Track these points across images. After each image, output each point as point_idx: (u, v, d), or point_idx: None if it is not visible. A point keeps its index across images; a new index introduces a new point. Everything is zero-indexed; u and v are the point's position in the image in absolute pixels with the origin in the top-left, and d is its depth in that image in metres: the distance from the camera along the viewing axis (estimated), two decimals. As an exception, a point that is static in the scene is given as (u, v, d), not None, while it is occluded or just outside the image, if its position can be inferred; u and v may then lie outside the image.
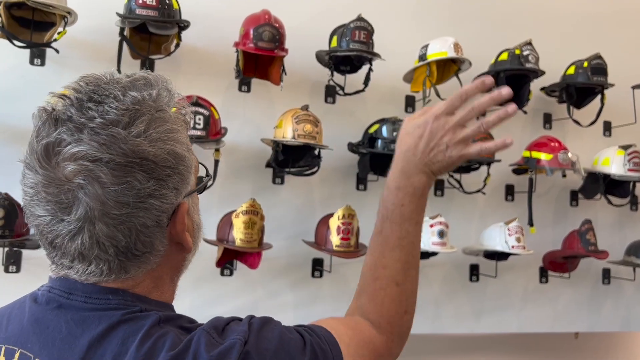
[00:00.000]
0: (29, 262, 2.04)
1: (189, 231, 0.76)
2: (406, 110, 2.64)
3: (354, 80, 2.43)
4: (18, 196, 1.92)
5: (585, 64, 2.63)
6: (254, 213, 2.11)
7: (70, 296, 0.71)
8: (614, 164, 2.66)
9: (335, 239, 2.21)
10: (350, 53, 2.28)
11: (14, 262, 2.03)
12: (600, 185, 2.71)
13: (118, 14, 2.04)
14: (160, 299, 0.76)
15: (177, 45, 2.15)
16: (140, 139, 0.67)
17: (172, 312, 0.77)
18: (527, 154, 2.63)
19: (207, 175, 0.83)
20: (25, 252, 2.04)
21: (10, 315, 0.75)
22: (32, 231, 1.95)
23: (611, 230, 2.94)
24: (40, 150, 0.67)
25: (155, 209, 0.69)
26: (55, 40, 1.97)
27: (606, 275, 2.95)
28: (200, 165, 0.82)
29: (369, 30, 2.28)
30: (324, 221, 2.30)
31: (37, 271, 2.04)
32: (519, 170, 2.73)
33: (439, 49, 2.40)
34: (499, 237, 2.49)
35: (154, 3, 2.00)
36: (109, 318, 0.69)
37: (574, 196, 2.92)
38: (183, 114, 0.77)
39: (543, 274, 2.84)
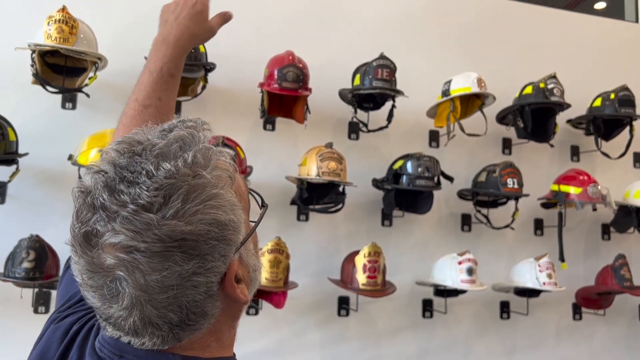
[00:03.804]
0: (58, 303, 2.05)
1: (244, 282, 0.72)
2: (430, 145, 2.63)
3: (377, 116, 2.44)
4: (49, 238, 1.97)
5: (612, 96, 2.60)
6: (279, 252, 2.10)
7: (121, 359, 0.70)
8: (647, 197, 2.60)
9: (361, 278, 2.18)
10: (373, 91, 2.29)
11: (43, 302, 2.05)
12: (633, 218, 2.65)
13: (146, 58, 2.10)
14: (216, 353, 0.74)
15: (204, 87, 2.20)
16: (175, 221, 0.63)
17: None
18: (555, 187, 2.59)
19: (263, 205, 0.77)
20: (54, 293, 2.06)
21: None
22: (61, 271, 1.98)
23: (647, 265, 2.85)
24: (80, 238, 0.65)
25: (202, 284, 0.66)
26: (86, 85, 2.03)
27: (643, 311, 2.85)
28: (252, 194, 0.78)
29: (391, 68, 2.30)
30: (350, 259, 2.27)
31: (65, 311, 2.06)
32: (547, 204, 2.68)
33: (463, 84, 2.40)
34: (529, 274, 2.43)
35: (181, 47, 2.06)
36: None
37: (605, 230, 2.85)
38: (225, 168, 0.72)
39: (576, 311, 2.76)
